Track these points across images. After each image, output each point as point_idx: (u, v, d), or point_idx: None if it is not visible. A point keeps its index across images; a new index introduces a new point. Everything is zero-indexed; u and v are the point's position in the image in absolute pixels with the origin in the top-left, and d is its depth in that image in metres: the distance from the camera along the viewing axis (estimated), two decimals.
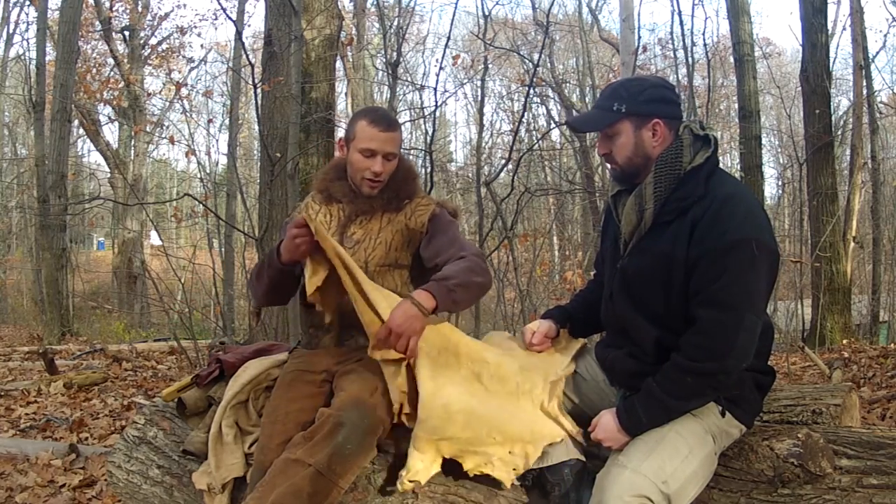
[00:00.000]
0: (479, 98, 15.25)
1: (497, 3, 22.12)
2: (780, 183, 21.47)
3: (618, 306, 1.80)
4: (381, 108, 2.38)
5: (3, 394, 5.29)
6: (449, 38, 6.96)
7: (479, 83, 14.77)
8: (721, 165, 1.75)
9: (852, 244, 9.44)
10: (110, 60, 16.87)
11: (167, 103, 18.65)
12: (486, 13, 7.33)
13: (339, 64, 12.03)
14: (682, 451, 1.57)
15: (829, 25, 10.74)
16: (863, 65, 9.95)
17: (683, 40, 8.40)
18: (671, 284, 1.66)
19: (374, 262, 2.10)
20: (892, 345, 7.61)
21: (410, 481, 1.72)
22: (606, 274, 1.88)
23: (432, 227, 2.12)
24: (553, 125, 17.62)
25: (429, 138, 5.79)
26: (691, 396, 1.63)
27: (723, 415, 1.66)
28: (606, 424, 1.67)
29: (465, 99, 22.09)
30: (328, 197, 2.21)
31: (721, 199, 1.63)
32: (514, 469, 1.75)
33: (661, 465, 1.54)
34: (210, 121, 14.71)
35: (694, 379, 1.61)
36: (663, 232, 1.69)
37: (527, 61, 14.09)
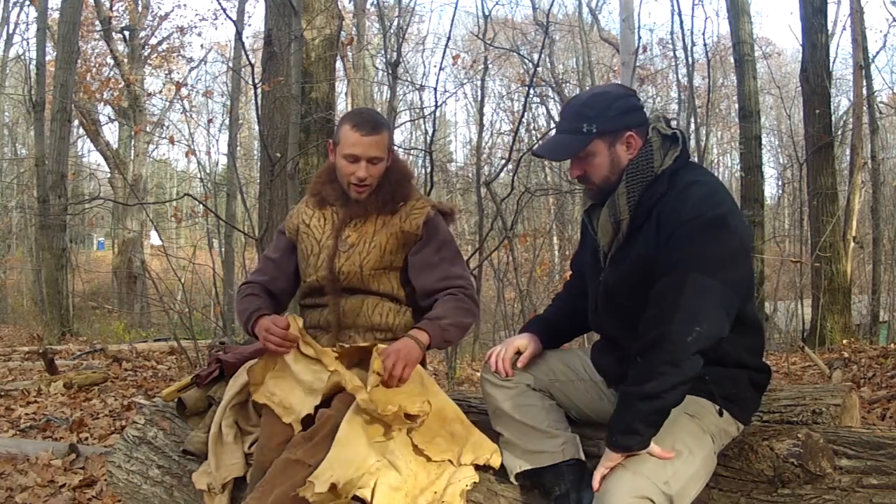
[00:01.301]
0: (479, 98, 15.24)
1: (497, 3, 22.15)
2: (780, 183, 21.51)
3: (604, 318, 1.78)
4: (366, 111, 2.26)
5: (3, 394, 5.29)
6: (449, 38, 6.97)
7: (479, 83, 14.78)
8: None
9: (852, 244, 9.44)
10: (110, 60, 16.88)
11: (167, 103, 18.68)
12: (486, 13, 7.35)
13: (339, 64, 12.05)
14: (682, 452, 1.56)
15: (829, 25, 10.75)
16: (863, 65, 9.95)
17: (683, 40, 8.37)
18: (651, 286, 1.62)
19: (368, 265, 2.10)
20: (892, 345, 7.61)
21: None
22: (590, 287, 1.85)
23: (426, 232, 2.12)
24: (553, 125, 17.60)
25: (429, 138, 5.79)
26: (646, 379, 1.50)
27: (720, 414, 1.64)
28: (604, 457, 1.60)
29: (465, 99, 22.12)
30: (321, 201, 2.20)
31: (679, 189, 1.61)
32: None
33: (661, 466, 1.53)
34: (210, 121, 14.76)
35: (643, 357, 1.52)
36: (637, 236, 1.66)
37: (527, 61, 14.11)
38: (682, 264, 1.53)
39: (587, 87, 16.94)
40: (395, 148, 2.17)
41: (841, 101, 16.79)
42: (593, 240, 1.79)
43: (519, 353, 1.88)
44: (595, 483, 1.57)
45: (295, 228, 2.23)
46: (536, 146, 1.92)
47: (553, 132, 1.92)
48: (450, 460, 1.83)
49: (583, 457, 1.79)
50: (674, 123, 1.77)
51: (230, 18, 7.06)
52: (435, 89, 5.46)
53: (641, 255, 1.64)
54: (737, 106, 10.93)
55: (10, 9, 16.70)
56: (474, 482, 1.83)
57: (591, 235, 1.81)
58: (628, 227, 1.68)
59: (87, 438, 4.15)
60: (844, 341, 8.10)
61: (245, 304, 2.14)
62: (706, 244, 1.53)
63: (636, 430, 1.52)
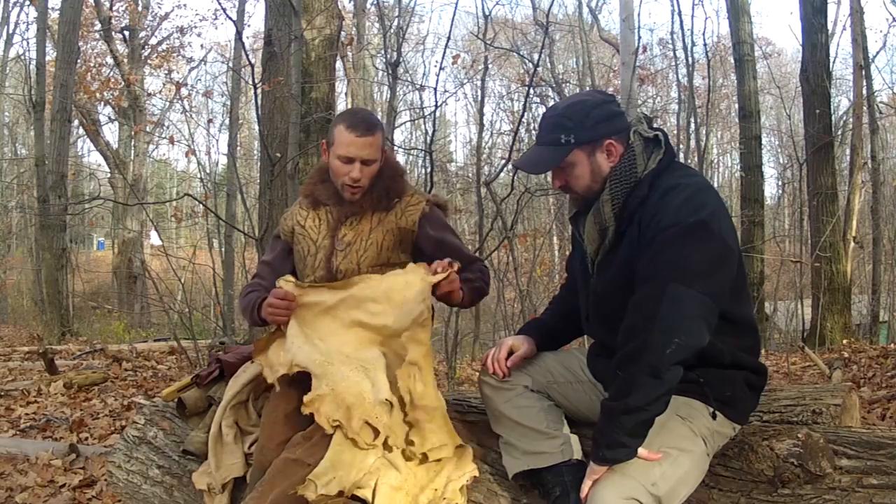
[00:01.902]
0: (479, 98, 15.22)
1: (497, 3, 22.13)
2: (780, 183, 21.52)
3: (596, 325, 1.78)
4: (360, 111, 2.28)
5: (3, 394, 5.29)
6: (449, 38, 6.97)
7: (479, 83, 14.76)
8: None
9: (852, 244, 9.45)
10: (110, 60, 16.88)
11: (167, 103, 18.67)
12: (486, 13, 7.33)
13: (339, 64, 12.03)
14: (671, 454, 1.56)
15: (829, 25, 10.77)
16: (863, 65, 9.95)
17: (683, 40, 8.37)
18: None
19: (365, 263, 2.09)
20: (892, 345, 7.62)
21: None
22: (581, 295, 1.85)
23: (428, 226, 2.12)
24: None
25: (429, 138, 5.79)
26: (628, 393, 1.51)
27: (713, 417, 1.64)
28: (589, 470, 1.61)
29: (465, 99, 22.12)
30: (314, 201, 2.20)
31: (660, 194, 1.60)
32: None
33: (649, 467, 1.53)
34: (210, 121, 14.64)
35: (623, 370, 1.52)
36: (622, 242, 1.66)
37: (527, 61, 14.09)
38: (661, 274, 1.52)
39: (587, 87, 16.93)
40: (395, 148, 2.18)
41: (841, 101, 16.80)
42: (581, 247, 1.79)
43: (512, 352, 1.88)
44: (583, 491, 1.57)
45: (290, 230, 2.22)
46: (517, 159, 1.91)
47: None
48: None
49: (582, 457, 1.80)
50: (656, 123, 1.75)
51: (230, 18, 7.08)
52: (435, 89, 5.46)
53: (626, 260, 1.63)
54: (737, 106, 10.94)
55: (10, 9, 16.73)
56: (474, 476, 1.83)
57: (579, 242, 1.81)
58: (614, 234, 1.67)
59: (87, 438, 4.15)
60: (844, 341, 8.10)
61: (247, 301, 2.16)
62: (685, 252, 1.52)
63: (622, 442, 1.53)
